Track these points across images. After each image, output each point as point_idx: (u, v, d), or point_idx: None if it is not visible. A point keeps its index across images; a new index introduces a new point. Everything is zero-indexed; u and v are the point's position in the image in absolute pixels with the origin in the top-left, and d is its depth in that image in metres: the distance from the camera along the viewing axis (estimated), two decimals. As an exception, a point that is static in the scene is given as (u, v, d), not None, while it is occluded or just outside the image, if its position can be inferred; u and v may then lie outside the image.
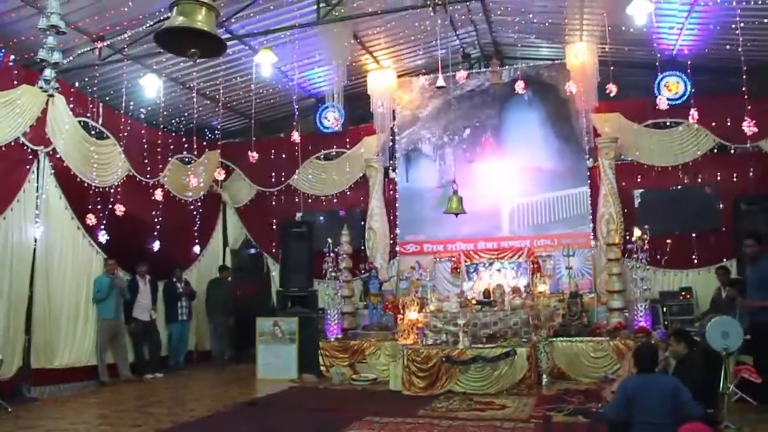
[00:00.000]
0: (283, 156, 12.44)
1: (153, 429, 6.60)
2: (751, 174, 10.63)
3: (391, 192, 12.76)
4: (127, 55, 9.73)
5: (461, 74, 10.72)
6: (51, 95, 5.46)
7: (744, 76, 8.66)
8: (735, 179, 10.80)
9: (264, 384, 9.55)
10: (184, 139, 11.87)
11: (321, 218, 12.76)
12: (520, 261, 11.30)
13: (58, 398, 8.67)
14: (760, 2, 8.70)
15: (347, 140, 12.85)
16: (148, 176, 11.00)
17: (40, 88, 5.06)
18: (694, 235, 10.80)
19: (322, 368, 9.99)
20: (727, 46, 9.74)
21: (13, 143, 8.67)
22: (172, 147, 11.63)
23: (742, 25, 8.75)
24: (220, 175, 11.45)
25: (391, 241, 12.48)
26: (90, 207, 9.51)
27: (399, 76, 12.67)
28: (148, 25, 8.80)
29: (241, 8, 9.07)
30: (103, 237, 9.55)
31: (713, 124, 10.62)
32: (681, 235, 10.79)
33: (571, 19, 10.39)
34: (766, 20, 9.14)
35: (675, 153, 11.08)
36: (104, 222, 9.52)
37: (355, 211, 12.68)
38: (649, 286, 9.58)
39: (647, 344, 5.73)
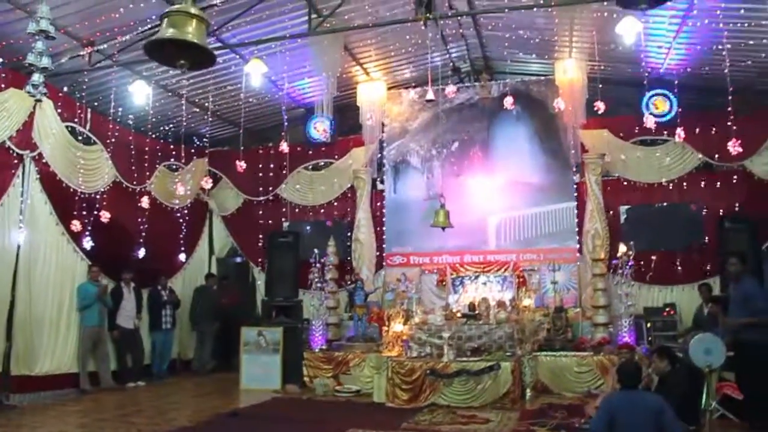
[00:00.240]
0: (271, 165, 12.45)
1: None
2: (735, 192, 10.76)
3: (379, 204, 12.74)
4: (116, 61, 9.69)
5: (451, 88, 10.79)
6: (39, 100, 5.45)
7: (729, 96, 8.78)
8: (720, 197, 10.91)
9: (247, 394, 9.47)
10: (171, 147, 11.87)
11: (308, 228, 12.79)
12: (506, 275, 11.32)
13: (38, 406, 8.53)
14: (746, 24, 8.87)
15: (336, 151, 12.88)
16: (134, 183, 10.93)
17: (28, 92, 5.07)
18: (678, 251, 10.93)
19: (306, 379, 9.92)
20: (714, 66, 9.87)
21: (-2, 147, 8.61)
22: (159, 154, 11.61)
23: (728, 46, 8.88)
24: (207, 183, 11.36)
25: (378, 253, 12.46)
26: (75, 213, 9.41)
27: (389, 89, 12.68)
28: (138, 31, 8.77)
29: (232, 17, 9.07)
30: (87, 243, 9.50)
31: (699, 142, 10.72)
32: (665, 252, 10.96)
33: (561, 36, 10.48)
34: (751, 42, 9.32)
35: (661, 170, 11.18)
36: (89, 228, 9.46)
37: (342, 222, 12.69)
38: (633, 301, 9.69)
39: (630, 361, 5.76)
